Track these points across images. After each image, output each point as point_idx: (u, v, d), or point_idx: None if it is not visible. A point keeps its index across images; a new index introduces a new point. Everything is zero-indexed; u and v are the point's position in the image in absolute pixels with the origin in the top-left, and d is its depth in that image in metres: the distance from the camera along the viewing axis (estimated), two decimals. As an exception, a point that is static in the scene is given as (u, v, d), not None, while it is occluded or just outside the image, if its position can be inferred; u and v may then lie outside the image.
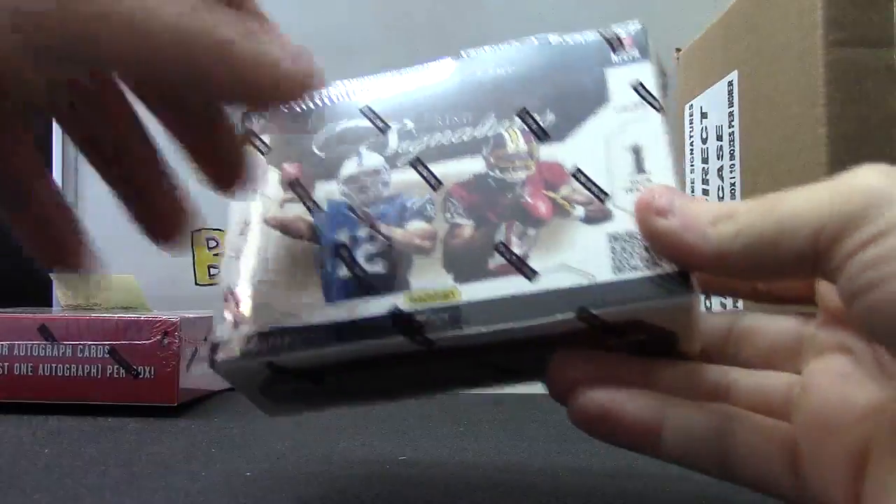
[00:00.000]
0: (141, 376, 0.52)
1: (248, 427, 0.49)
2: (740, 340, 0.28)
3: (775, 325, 0.28)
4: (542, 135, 0.28)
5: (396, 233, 0.27)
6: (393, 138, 0.29)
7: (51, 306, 0.78)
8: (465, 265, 0.26)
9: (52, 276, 0.68)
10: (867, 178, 0.22)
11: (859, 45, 0.38)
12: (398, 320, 0.26)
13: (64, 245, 0.24)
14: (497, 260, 0.26)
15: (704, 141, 0.56)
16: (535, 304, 0.25)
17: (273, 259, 0.28)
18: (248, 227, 0.29)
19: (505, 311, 0.26)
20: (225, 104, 0.25)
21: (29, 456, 0.41)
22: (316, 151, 0.29)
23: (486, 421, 0.51)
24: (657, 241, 0.25)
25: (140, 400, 0.52)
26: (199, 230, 0.80)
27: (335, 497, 0.34)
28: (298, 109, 0.30)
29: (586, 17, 0.85)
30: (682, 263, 0.25)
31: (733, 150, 0.50)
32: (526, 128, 0.28)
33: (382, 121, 0.29)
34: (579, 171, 0.27)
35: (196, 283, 0.81)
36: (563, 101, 0.28)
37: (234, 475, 0.38)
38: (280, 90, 0.22)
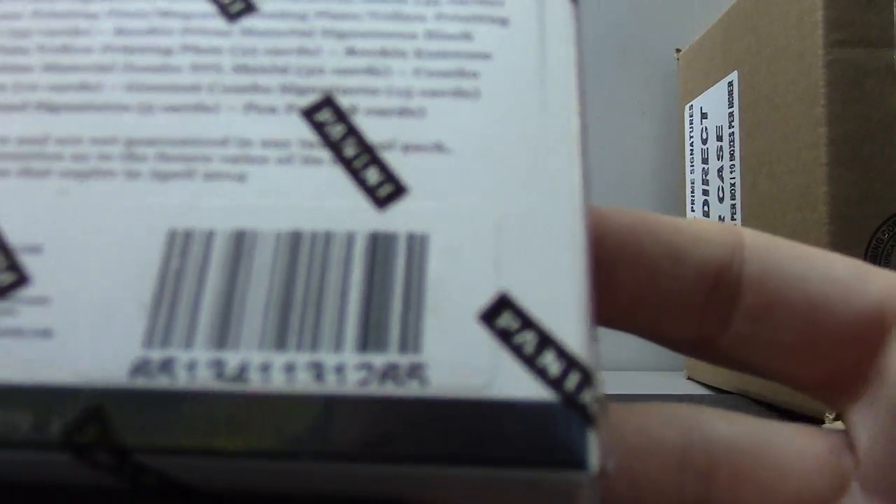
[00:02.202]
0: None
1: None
2: (716, 478, 0.15)
3: (795, 451, 0.15)
4: None
5: None
6: None
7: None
8: None
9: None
10: None
11: (859, 46, 0.38)
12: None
13: None
14: None
15: (704, 141, 0.56)
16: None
17: None
18: None
19: None
20: None
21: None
22: None
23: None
24: None
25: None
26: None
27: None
28: None
29: (585, 13, 0.85)
30: None
31: (733, 151, 0.50)
32: None
33: None
34: None
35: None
36: None
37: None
38: None
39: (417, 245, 0.11)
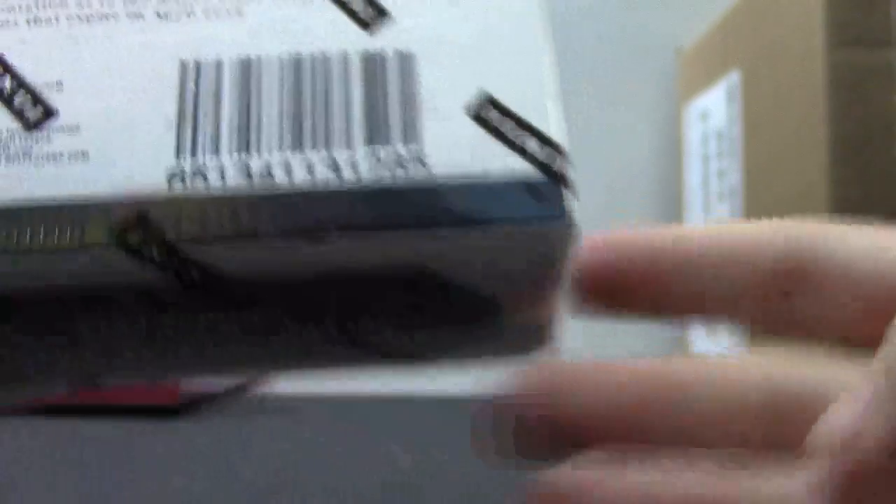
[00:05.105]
0: (141, 377, 0.52)
1: (248, 429, 0.49)
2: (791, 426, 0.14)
3: None
4: None
5: None
6: None
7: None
8: None
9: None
10: None
11: (860, 46, 0.38)
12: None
13: None
14: None
15: (705, 142, 0.56)
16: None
17: None
18: None
19: None
20: None
21: (29, 458, 0.41)
22: None
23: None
24: None
25: (140, 400, 0.51)
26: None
27: (335, 501, 0.34)
28: None
29: (586, 11, 0.85)
30: None
31: (734, 151, 0.50)
32: None
33: None
34: None
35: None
36: None
37: (233, 477, 0.38)
38: None
39: (407, 60, 0.13)
